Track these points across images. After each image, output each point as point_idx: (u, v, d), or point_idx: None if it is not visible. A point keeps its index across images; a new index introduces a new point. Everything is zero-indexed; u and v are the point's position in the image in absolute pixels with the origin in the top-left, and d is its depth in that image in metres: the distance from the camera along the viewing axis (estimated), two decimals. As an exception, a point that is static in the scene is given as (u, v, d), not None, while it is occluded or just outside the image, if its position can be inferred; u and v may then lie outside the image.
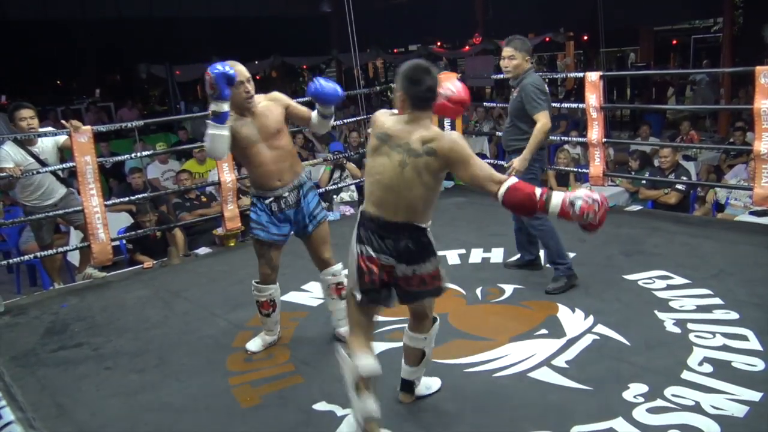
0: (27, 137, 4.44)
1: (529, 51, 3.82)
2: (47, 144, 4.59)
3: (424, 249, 2.32)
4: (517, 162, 3.73)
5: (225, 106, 2.87)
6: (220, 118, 2.88)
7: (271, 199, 3.10)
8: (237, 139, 3.01)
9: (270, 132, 3.05)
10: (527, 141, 3.73)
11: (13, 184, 4.63)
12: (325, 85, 3.07)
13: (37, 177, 4.51)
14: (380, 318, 3.54)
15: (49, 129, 4.81)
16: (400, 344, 3.23)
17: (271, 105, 3.09)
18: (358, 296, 2.37)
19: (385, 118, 2.36)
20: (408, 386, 2.69)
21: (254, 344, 3.32)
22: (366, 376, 2.30)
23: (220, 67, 2.81)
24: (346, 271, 3.01)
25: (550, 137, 8.54)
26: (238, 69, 2.91)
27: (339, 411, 2.67)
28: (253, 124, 3.03)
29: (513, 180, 2.25)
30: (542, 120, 3.69)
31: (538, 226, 3.80)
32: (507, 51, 3.78)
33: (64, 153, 4.74)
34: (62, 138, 4.59)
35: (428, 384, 2.76)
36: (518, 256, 4.20)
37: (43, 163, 4.52)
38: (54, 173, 4.62)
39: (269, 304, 3.28)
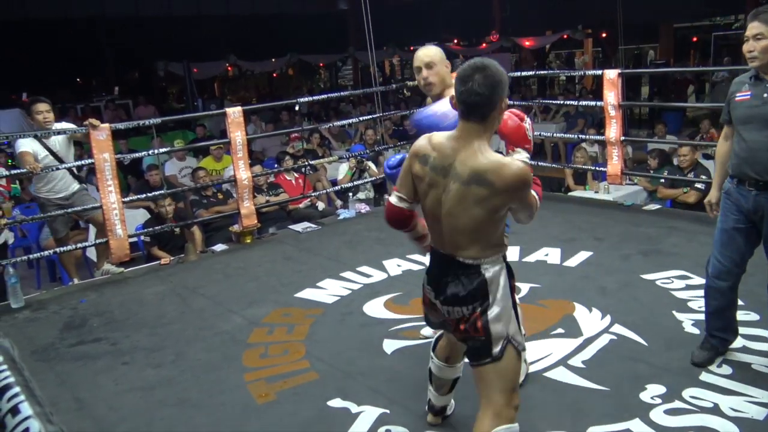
0: (46, 134, 4.51)
1: None
2: (60, 137, 4.67)
3: (468, 289, 1.90)
4: None
5: None
6: None
7: None
8: None
9: None
10: None
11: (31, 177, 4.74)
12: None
13: (49, 170, 4.58)
14: (395, 316, 3.57)
15: (70, 126, 4.88)
16: (415, 342, 3.25)
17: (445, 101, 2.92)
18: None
19: (428, 140, 1.94)
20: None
21: None
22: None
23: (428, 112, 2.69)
24: None
25: (567, 135, 8.58)
26: (416, 55, 2.80)
27: (354, 408, 2.67)
28: None
29: None
30: None
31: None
32: (755, 27, 2.54)
33: (84, 147, 4.79)
34: (72, 126, 4.72)
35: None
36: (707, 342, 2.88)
37: (57, 156, 4.60)
38: (69, 169, 4.69)
39: None
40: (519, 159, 1.90)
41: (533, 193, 1.90)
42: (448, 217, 1.88)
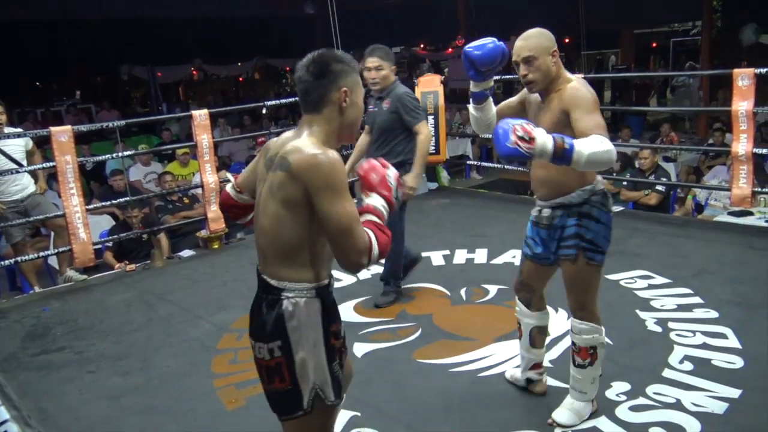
0: None
1: (394, 60, 3.65)
2: (16, 140, 4.57)
3: (266, 321, 1.63)
4: (411, 179, 3.48)
5: (474, 87, 2.45)
6: (472, 96, 2.49)
7: (535, 207, 2.59)
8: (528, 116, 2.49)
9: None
10: (405, 155, 3.56)
11: None
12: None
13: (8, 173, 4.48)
14: (365, 319, 3.57)
15: (19, 130, 4.83)
16: (385, 345, 3.26)
17: (555, 103, 2.31)
18: None
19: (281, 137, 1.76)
20: None
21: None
22: None
23: (478, 43, 2.36)
24: (585, 337, 2.44)
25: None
26: (515, 46, 2.35)
27: (325, 412, 2.67)
28: (538, 111, 2.41)
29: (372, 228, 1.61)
30: (425, 131, 3.53)
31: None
32: (373, 61, 3.52)
33: (47, 152, 4.71)
34: (31, 143, 4.68)
35: None
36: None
37: (10, 158, 4.47)
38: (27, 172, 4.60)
39: (519, 327, 2.68)
40: (369, 202, 1.64)
41: (370, 235, 1.57)
42: (258, 216, 1.68)
